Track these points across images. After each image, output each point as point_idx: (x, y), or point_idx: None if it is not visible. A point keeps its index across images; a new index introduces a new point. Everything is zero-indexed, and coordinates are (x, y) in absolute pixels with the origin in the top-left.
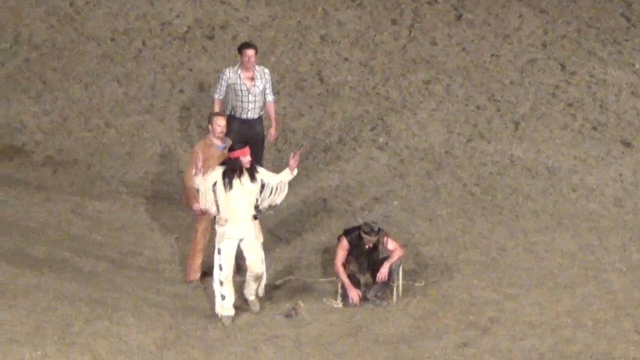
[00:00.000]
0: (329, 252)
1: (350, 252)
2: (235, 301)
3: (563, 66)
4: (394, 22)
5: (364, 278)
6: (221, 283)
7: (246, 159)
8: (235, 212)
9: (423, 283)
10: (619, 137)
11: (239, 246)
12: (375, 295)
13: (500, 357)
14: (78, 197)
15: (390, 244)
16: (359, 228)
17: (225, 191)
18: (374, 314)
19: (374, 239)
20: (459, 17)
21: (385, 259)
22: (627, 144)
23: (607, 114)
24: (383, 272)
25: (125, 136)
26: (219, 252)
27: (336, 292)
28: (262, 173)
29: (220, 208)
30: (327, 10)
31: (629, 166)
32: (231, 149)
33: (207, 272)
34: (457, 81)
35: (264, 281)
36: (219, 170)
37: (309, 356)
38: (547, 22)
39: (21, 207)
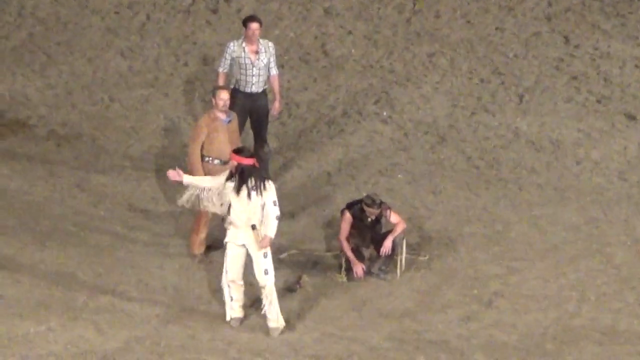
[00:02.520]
0: (332, 226)
1: (353, 226)
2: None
3: (567, 39)
4: None
5: (368, 252)
6: (228, 285)
7: (230, 163)
8: (235, 217)
9: (427, 257)
10: (623, 110)
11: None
12: (379, 269)
13: (504, 330)
14: (82, 171)
15: (393, 217)
16: (361, 201)
17: (228, 187)
18: (378, 288)
19: (376, 211)
20: None
21: (389, 232)
22: (632, 117)
23: (611, 87)
24: (387, 246)
25: (129, 110)
26: (226, 255)
27: (340, 266)
28: (269, 193)
29: (228, 209)
30: None
31: (633, 139)
32: (234, 150)
33: (211, 245)
34: (461, 54)
35: (275, 305)
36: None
37: (313, 330)
38: None
39: (25, 181)
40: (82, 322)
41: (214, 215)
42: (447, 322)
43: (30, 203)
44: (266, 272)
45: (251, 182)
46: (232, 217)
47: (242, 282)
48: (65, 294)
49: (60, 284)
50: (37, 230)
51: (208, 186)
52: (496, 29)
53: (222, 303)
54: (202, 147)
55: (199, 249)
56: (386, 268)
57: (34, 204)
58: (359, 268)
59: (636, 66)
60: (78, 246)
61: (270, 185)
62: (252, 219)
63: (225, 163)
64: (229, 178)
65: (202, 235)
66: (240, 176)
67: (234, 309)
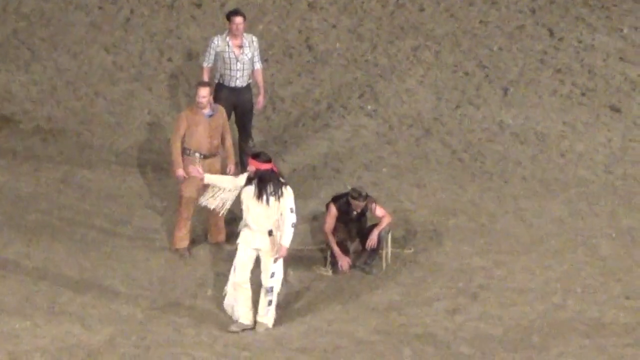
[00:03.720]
0: (318, 220)
1: (339, 219)
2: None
3: (551, 32)
4: None
5: (353, 245)
6: (234, 287)
7: (248, 169)
8: (252, 221)
9: (412, 250)
10: (608, 102)
11: (258, 258)
12: (365, 263)
13: (490, 323)
14: (67, 166)
15: (379, 211)
16: (347, 195)
17: (245, 192)
18: (364, 282)
19: (362, 203)
20: None
21: (374, 226)
22: (616, 110)
23: (596, 79)
24: (372, 239)
25: (114, 105)
26: (237, 255)
27: (325, 259)
28: (285, 199)
29: (243, 212)
30: None
31: (617, 132)
32: (252, 155)
33: (195, 240)
34: (446, 48)
35: (272, 307)
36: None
37: (298, 324)
38: None
39: (10, 176)
40: (68, 317)
41: (198, 210)
42: (433, 315)
43: (15, 198)
44: (272, 275)
45: (270, 187)
46: (249, 221)
47: (248, 285)
48: (51, 289)
49: (46, 279)
50: (23, 225)
51: (228, 187)
52: (480, 22)
53: (207, 298)
54: (184, 140)
55: (181, 243)
56: (372, 261)
57: (20, 199)
58: (344, 261)
59: (620, 59)
60: (63, 241)
61: (288, 191)
62: (269, 225)
63: (205, 157)
64: (247, 183)
65: (184, 230)
66: (259, 181)
67: (240, 313)
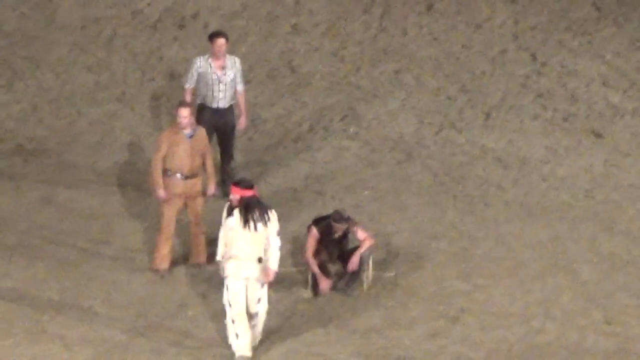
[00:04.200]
0: (298, 242)
1: (320, 242)
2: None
3: (534, 57)
4: (364, 11)
5: (335, 268)
6: (233, 321)
7: (232, 197)
8: (240, 251)
9: (393, 273)
10: (590, 127)
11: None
12: (346, 285)
13: (470, 347)
14: (48, 186)
15: (360, 234)
16: (328, 217)
17: (227, 223)
18: (345, 304)
19: (343, 226)
20: (430, 7)
21: (356, 248)
22: (598, 135)
23: (578, 104)
24: (353, 262)
25: (96, 125)
26: (227, 289)
27: (306, 281)
28: (273, 223)
29: (227, 243)
30: (298, 0)
31: (599, 157)
32: (234, 182)
33: (176, 260)
34: (428, 71)
35: (259, 327)
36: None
37: (279, 346)
38: (518, 13)
39: None
40: (49, 337)
41: (179, 231)
42: (414, 338)
43: None
44: (259, 301)
45: (256, 213)
46: (235, 251)
47: (246, 315)
48: (32, 308)
49: (27, 298)
50: (3, 244)
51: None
52: (463, 46)
53: (188, 318)
54: (165, 160)
55: (162, 264)
56: (352, 284)
57: (0, 219)
58: (325, 284)
59: (602, 84)
60: (44, 260)
61: (274, 215)
62: (258, 251)
63: (186, 177)
64: (229, 213)
65: (165, 250)
66: (245, 209)
67: (241, 346)
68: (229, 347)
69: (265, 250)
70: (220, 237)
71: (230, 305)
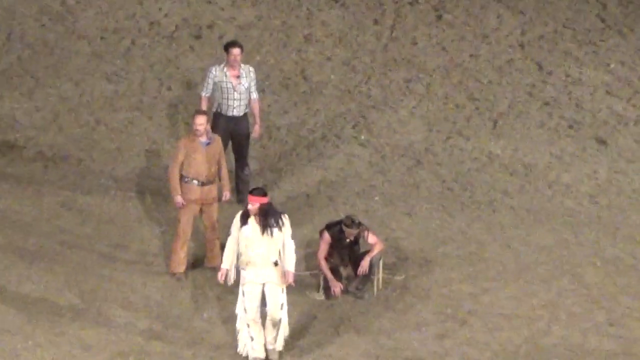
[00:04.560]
0: (311, 246)
1: (332, 246)
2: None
3: (540, 66)
4: (376, 22)
5: (346, 271)
6: (248, 325)
7: (251, 206)
8: (254, 257)
9: (403, 276)
10: (594, 135)
11: (263, 291)
12: (357, 288)
13: (477, 348)
14: (68, 192)
15: (371, 238)
16: (340, 222)
17: (242, 232)
18: (355, 306)
19: (355, 231)
20: (439, 18)
21: (366, 252)
22: (602, 142)
23: (583, 112)
24: (364, 266)
25: (114, 132)
26: (243, 295)
27: (318, 284)
28: (286, 227)
29: (242, 251)
30: (311, 11)
31: (603, 164)
32: (250, 192)
33: (192, 264)
34: (437, 80)
35: (282, 332)
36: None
37: (291, 347)
38: (525, 23)
39: (13, 201)
40: (69, 338)
41: (194, 235)
42: (422, 340)
43: (17, 222)
44: (282, 307)
45: (273, 219)
46: (253, 257)
47: (260, 320)
48: (52, 311)
49: (47, 301)
50: (24, 249)
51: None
52: (471, 56)
53: (203, 320)
54: (182, 167)
55: (178, 267)
56: (363, 287)
57: (22, 223)
58: (336, 287)
59: (607, 92)
60: (64, 264)
61: (287, 219)
62: (274, 256)
63: (202, 184)
64: (243, 222)
65: (181, 254)
66: (264, 216)
67: (255, 349)
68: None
69: (280, 254)
70: (229, 247)
71: (245, 311)
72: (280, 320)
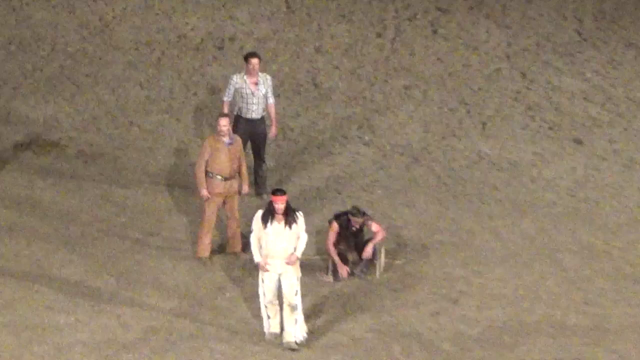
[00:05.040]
0: (321, 234)
1: (339, 234)
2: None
3: (524, 75)
4: (378, 35)
5: (352, 256)
6: (265, 306)
7: (278, 205)
8: (274, 250)
9: (402, 261)
10: (572, 136)
11: (279, 279)
12: (361, 271)
13: (468, 324)
14: (106, 185)
15: (374, 227)
16: (347, 213)
17: (265, 230)
18: (360, 287)
19: (360, 220)
20: (435, 32)
21: (370, 239)
22: (579, 142)
23: (562, 115)
24: (368, 251)
25: (146, 133)
26: (262, 281)
27: (327, 268)
28: (299, 223)
29: (263, 245)
30: (321, 25)
31: (580, 161)
32: (273, 193)
33: (215, 249)
34: (433, 87)
35: (300, 322)
36: (260, 211)
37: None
38: (510, 37)
39: (57, 193)
40: (106, 315)
41: (219, 223)
42: (419, 317)
43: (61, 212)
44: (296, 293)
45: (293, 215)
46: (273, 250)
47: (277, 302)
48: (92, 290)
49: (87, 282)
50: (67, 236)
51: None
52: (463, 65)
53: (226, 299)
54: (207, 164)
55: (204, 252)
56: (367, 270)
57: (64, 213)
58: (343, 270)
59: (583, 98)
60: (102, 249)
61: (301, 214)
62: (290, 248)
63: (225, 179)
64: (266, 221)
65: (207, 240)
66: (287, 213)
67: (271, 325)
68: (261, 325)
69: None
70: (255, 243)
71: (264, 294)
72: (296, 306)
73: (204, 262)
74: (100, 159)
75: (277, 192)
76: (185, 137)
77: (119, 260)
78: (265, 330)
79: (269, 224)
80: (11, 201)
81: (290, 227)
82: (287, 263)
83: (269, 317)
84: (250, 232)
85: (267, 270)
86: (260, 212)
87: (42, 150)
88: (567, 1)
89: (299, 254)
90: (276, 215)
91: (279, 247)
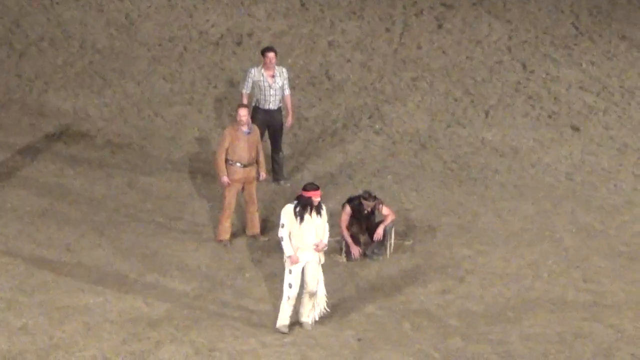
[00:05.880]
0: (335, 217)
1: (352, 217)
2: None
3: (524, 66)
4: (387, 30)
5: (363, 238)
6: (288, 298)
7: (316, 200)
8: (305, 241)
9: (411, 242)
10: (569, 123)
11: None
12: (373, 252)
13: (473, 301)
14: (132, 173)
15: (385, 210)
16: (359, 197)
17: (298, 224)
18: (371, 267)
19: (372, 203)
20: (440, 26)
21: (381, 222)
22: (576, 129)
23: (560, 104)
24: (379, 233)
25: (170, 123)
26: (290, 272)
27: (341, 249)
28: (324, 214)
29: (292, 237)
30: (333, 21)
31: (577, 147)
32: (305, 189)
33: (235, 232)
34: (439, 78)
35: (319, 307)
36: (292, 206)
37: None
38: (511, 30)
39: (86, 181)
40: (133, 295)
41: (238, 208)
42: (427, 294)
43: (90, 199)
44: (318, 282)
45: (321, 208)
46: (303, 243)
47: (307, 293)
48: (119, 272)
49: (115, 264)
50: (96, 221)
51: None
52: (467, 57)
53: (245, 279)
54: (227, 152)
55: (224, 235)
56: (378, 251)
57: (93, 200)
58: (356, 251)
59: (580, 88)
60: (129, 233)
61: (324, 208)
62: (316, 238)
63: (244, 166)
64: (302, 216)
65: (227, 224)
66: (318, 206)
67: (282, 317)
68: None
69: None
70: (286, 238)
71: (290, 286)
72: (316, 292)
73: (224, 245)
74: (126, 148)
75: (313, 187)
76: (206, 127)
77: (145, 243)
78: (280, 323)
79: (303, 220)
80: (43, 189)
81: (320, 217)
82: (318, 250)
83: (286, 310)
84: (280, 226)
85: (298, 262)
86: (290, 207)
87: (72, 141)
88: None
89: (326, 241)
90: (308, 209)
91: (310, 239)
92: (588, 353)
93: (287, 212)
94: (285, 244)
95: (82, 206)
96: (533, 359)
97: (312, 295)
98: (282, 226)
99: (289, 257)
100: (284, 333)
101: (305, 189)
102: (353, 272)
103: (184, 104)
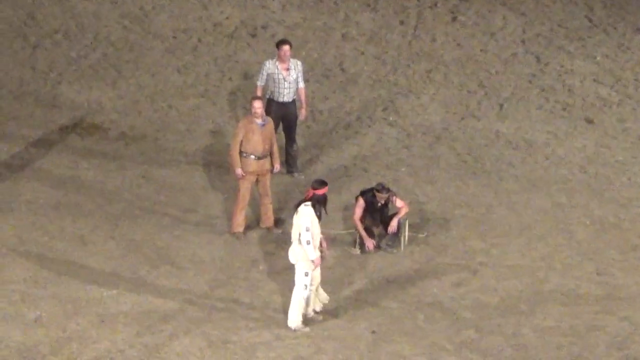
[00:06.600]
0: (348, 209)
1: (366, 209)
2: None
3: (538, 58)
4: (401, 22)
5: (377, 230)
6: (303, 299)
7: (326, 194)
8: (317, 239)
9: (425, 234)
10: (583, 116)
11: None
12: (387, 244)
13: (487, 294)
14: (146, 165)
15: (398, 202)
16: (373, 189)
17: (317, 223)
18: (386, 259)
19: (385, 196)
20: (454, 19)
21: (395, 214)
22: (590, 121)
23: (574, 97)
24: (393, 225)
25: (184, 116)
26: (306, 275)
27: (355, 241)
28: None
29: (314, 237)
30: (347, 14)
31: (591, 139)
32: (318, 187)
33: (249, 225)
34: (453, 71)
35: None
36: (309, 207)
37: (331, 293)
38: (526, 23)
39: (100, 173)
40: (146, 287)
41: (253, 200)
42: (441, 287)
43: (104, 191)
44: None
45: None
46: (317, 240)
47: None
48: (133, 264)
49: (128, 256)
50: (110, 213)
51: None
52: (481, 50)
53: (259, 272)
54: (241, 144)
55: (238, 228)
56: (392, 243)
57: (107, 192)
58: (370, 243)
59: (594, 80)
60: (143, 225)
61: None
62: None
63: (258, 158)
64: (321, 213)
65: (241, 216)
66: (325, 203)
67: (300, 318)
68: (288, 298)
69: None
70: (312, 241)
71: (306, 287)
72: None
73: (238, 237)
74: (140, 141)
75: (325, 183)
76: (220, 119)
77: (159, 236)
78: (296, 324)
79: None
80: (57, 181)
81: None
82: (322, 248)
83: (301, 310)
84: (304, 229)
85: (319, 265)
86: (309, 209)
87: (86, 133)
88: None
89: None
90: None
91: (319, 235)
92: (601, 345)
93: (309, 213)
94: (310, 248)
95: (95, 198)
96: (546, 352)
97: (318, 287)
98: (307, 230)
99: (313, 260)
100: (305, 331)
101: (317, 187)
102: (367, 264)
103: (198, 96)
